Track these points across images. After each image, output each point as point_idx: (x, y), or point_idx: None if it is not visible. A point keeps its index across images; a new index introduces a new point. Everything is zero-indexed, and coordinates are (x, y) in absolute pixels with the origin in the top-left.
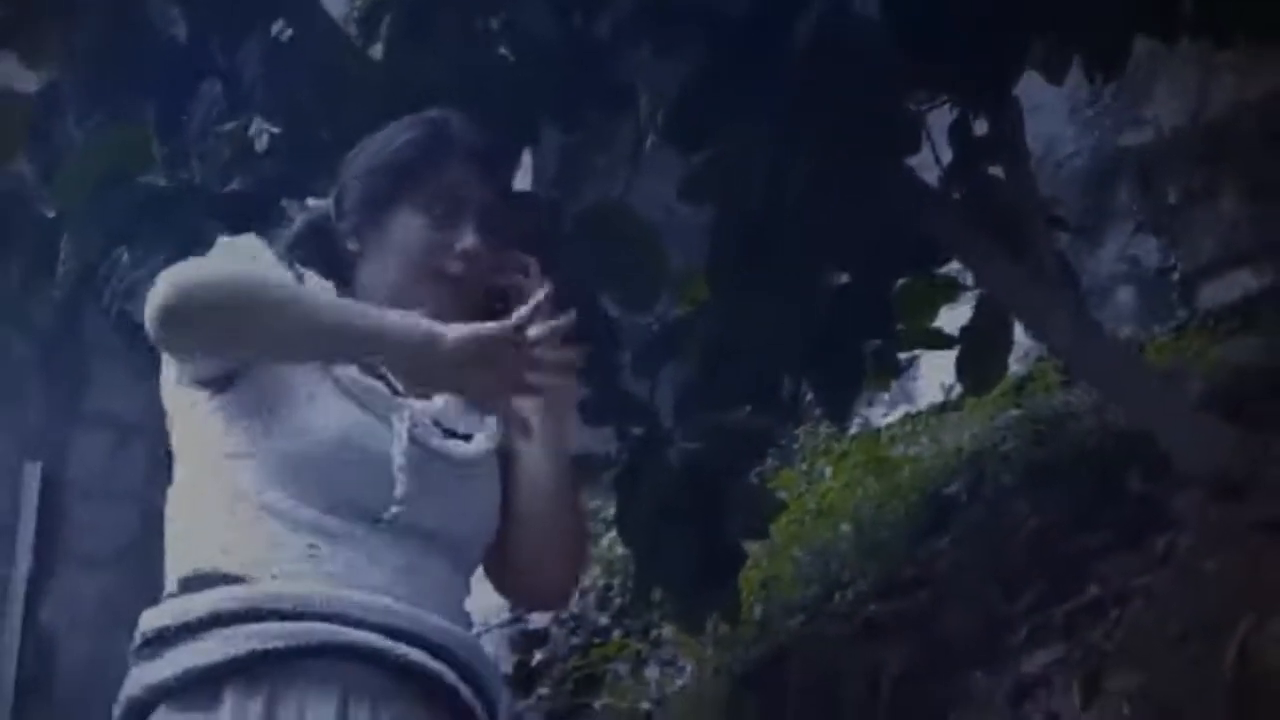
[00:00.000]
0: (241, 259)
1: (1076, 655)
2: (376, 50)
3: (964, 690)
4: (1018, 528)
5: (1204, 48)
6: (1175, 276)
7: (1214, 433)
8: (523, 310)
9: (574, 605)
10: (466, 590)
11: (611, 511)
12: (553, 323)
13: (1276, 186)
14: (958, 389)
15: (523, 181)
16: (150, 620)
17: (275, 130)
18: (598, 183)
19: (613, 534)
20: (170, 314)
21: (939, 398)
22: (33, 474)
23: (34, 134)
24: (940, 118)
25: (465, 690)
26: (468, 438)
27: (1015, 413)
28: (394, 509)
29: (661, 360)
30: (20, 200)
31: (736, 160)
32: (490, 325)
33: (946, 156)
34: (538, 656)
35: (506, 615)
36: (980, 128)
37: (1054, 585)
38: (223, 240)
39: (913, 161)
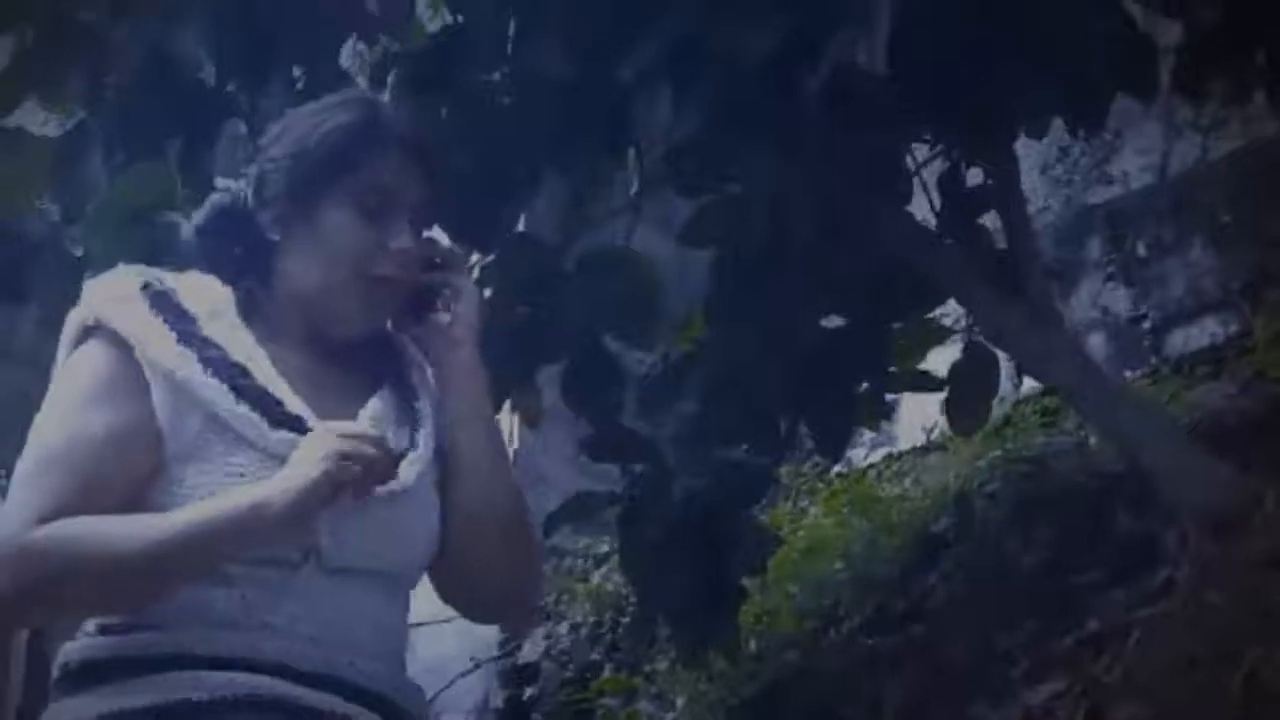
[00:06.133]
0: (112, 295)
1: (1079, 688)
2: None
3: None
4: (1011, 564)
5: (1171, 108)
6: (1146, 324)
7: (1212, 470)
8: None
9: (565, 640)
10: (405, 612)
11: (602, 549)
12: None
13: (1240, 238)
14: (937, 431)
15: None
16: (73, 653)
17: None
18: (599, 227)
19: (603, 570)
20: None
21: (919, 439)
22: None
23: (59, 175)
24: (935, 169)
25: None
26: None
27: (998, 453)
28: (313, 556)
29: (665, 399)
30: (46, 240)
31: (738, 204)
32: (313, 475)
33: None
34: (529, 691)
35: (496, 650)
36: (971, 179)
37: (1052, 620)
38: (92, 282)
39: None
